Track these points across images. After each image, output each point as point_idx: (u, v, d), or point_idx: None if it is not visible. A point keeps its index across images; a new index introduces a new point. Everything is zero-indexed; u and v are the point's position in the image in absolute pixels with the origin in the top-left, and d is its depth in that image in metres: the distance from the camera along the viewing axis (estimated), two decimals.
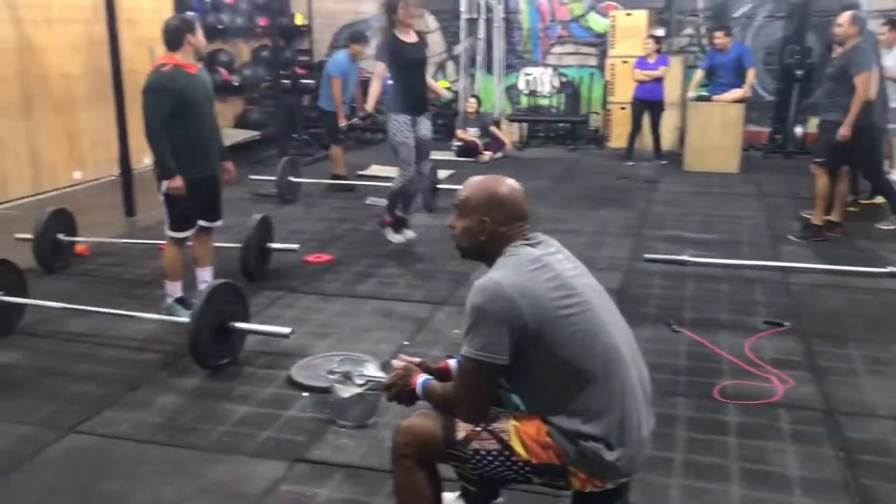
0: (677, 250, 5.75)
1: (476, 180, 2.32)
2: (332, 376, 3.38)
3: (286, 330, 3.95)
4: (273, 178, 7.64)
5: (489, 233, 2.22)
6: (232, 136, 10.50)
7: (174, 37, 4.36)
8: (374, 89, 5.75)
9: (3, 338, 4.30)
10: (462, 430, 2.16)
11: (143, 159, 9.40)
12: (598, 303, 2.18)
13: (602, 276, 5.35)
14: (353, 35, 8.46)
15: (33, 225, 5.46)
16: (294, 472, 3.04)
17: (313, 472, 3.04)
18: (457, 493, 2.67)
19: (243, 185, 8.21)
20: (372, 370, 3.43)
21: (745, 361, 4.00)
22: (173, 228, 4.53)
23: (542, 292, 2.08)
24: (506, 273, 2.12)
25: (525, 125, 11.37)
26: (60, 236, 5.58)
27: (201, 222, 4.64)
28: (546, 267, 2.14)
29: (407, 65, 5.64)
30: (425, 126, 5.85)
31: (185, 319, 3.99)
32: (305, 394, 3.67)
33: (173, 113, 4.27)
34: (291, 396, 3.65)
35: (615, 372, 2.10)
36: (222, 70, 10.22)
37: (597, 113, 11.11)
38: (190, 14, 4.97)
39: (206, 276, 4.73)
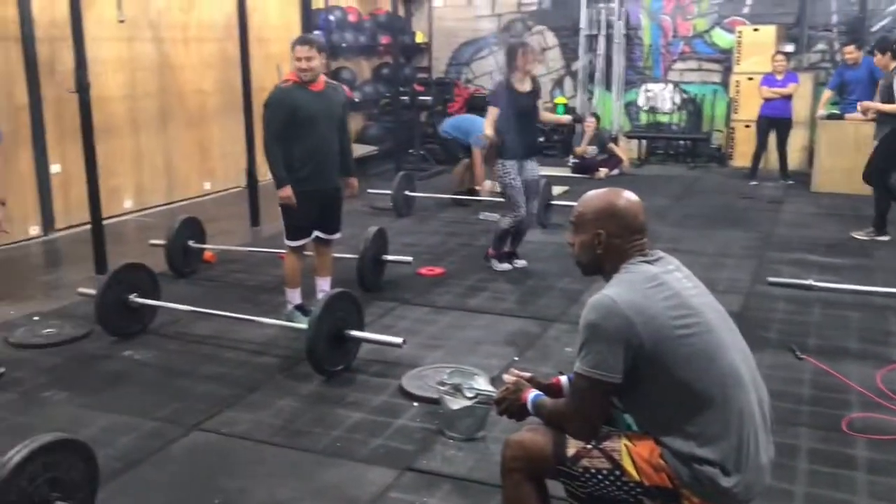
0: (802, 274, 5.49)
1: (591, 194, 2.30)
2: (442, 388, 3.41)
3: (399, 340, 4.02)
4: (389, 192, 7.81)
5: (605, 246, 2.19)
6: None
7: None
8: (488, 131, 5.78)
9: (138, 337, 4.56)
10: (572, 447, 2.13)
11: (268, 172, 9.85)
12: (718, 324, 2.11)
13: (722, 298, 5.16)
14: None
15: (166, 232, 5.78)
16: (403, 481, 3.08)
17: (422, 482, 3.07)
18: None
19: (361, 199, 8.41)
20: (482, 383, 3.43)
21: (876, 394, 3.77)
22: (289, 238, 4.73)
23: (658, 311, 2.03)
24: (621, 290, 2.08)
25: (644, 142, 11.18)
26: (190, 243, 5.89)
27: (318, 234, 4.79)
28: (664, 285, 2.09)
29: (519, 113, 5.67)
30: (531, 167, 5.87)
31: (303, 326, 4.12)
32: (416, 403, 3.71)
33: (288, 127, 4.48)
34: (402, 405, 3.71)
35: (734, 396, 2.03)
36: (344, 87, 10.52)
37: (720, 131, 10.80)
38: (316, 33, 5.14)
39: (324, 286, 4.88)
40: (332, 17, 10.16)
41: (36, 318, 4.86)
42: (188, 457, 3.29)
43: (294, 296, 4.80)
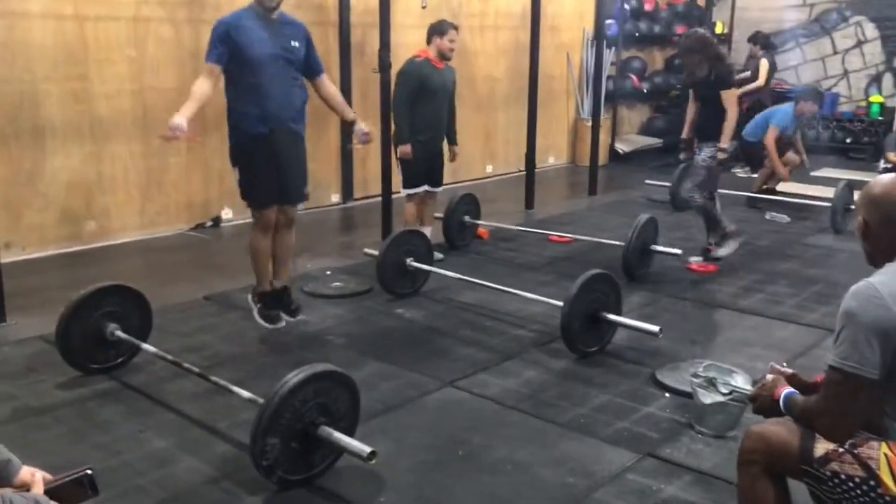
0: None
1: (876, 178, 2.09)
2: (695, 380, 3.29)
3: (656, 328, 3.93)
4: (668, 184, 7.59)
5: (869, 233, 2.02)
6: (634, 142, 10.67)
7: (427, 37, 5.53)
8: None
9: (410, 297, 4.92)
10: (822, 447, 1.96)
11: (548, 159, 10.04)
12: None
13: None
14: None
15: (445, 207, 6.14)
16: (642, 465, 3.02)
17: (662, 469, 2.99)
18: None
19: (638, 189, 8.31)
20: (740, 381, 3.26)
21: None
22: (407, 186, 5.61)
23: None
24: (886, 279, 1.88)
25: None
26: (466, 218, 6.21)
27: (427, 187, 5.67)
28: None
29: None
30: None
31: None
32: (667, 395, 3.61)
33: (417, 95, 5.37)
34: (652, 394, 3.63)
35: None
36: (633, 77, 10.40)
37: None
38: (445, 22, 5.57)
39: (427, 232, 5.43)
40: (627, 6, 10.07)
41: (328, 272, 5.43)
42: (440, 409, 3.50)
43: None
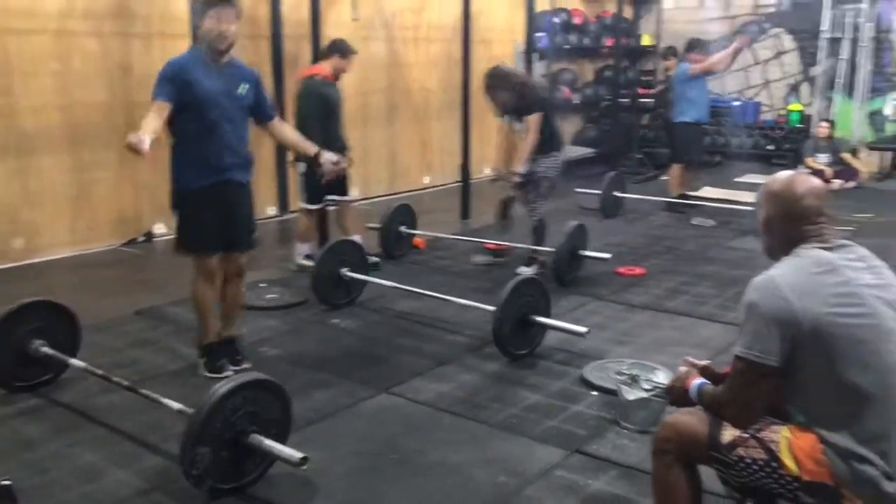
0: None
1: (771, 177, 2.23)
2: (619, 377, 3.40)
3: (583, 329, 4.05)
4: (598, 192, 7.78)
5: (770, 228, 2.15)
6: (566, 152, 10.86)
7: (327, 51, 5.71)
8: None
9: (346, 308, 4.95)
10: (728, 434, 2.07)
11: (484, 169, 10.16)
12: (891, 320, 1.97)
13: None
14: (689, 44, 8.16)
15: (381, 217, 6.19)
16: (570, 461, 3.12)
17: (589, 465, 3.09)
18: None
19: (570, 198, 8.48)
20: (662, 378, 3.39)
21: None
22: (310, 202, 5.75)
23: (822, 296, 1.94)
24: (785, 272, 2.01)
25: (889, 154, 10.21)
26: (402, 228, 6.27)
27: (335, 197, 5.80)
28: (835, 272, 1.98)
29: None
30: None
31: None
32: (595, 393, 3.72)
33: (325, 113, 5.49)
34: (580, 393, 3.74)
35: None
36: (564, 88, 10.62)
37: None
38: (350, 46, 5.76)
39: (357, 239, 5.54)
40: (556, 20, 10.29)
41: (262, 284, 5.42)
42: (375, 415, 3.54)
43: (304, 249, 5.85)
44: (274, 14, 7.33)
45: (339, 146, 5.72)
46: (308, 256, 5.76)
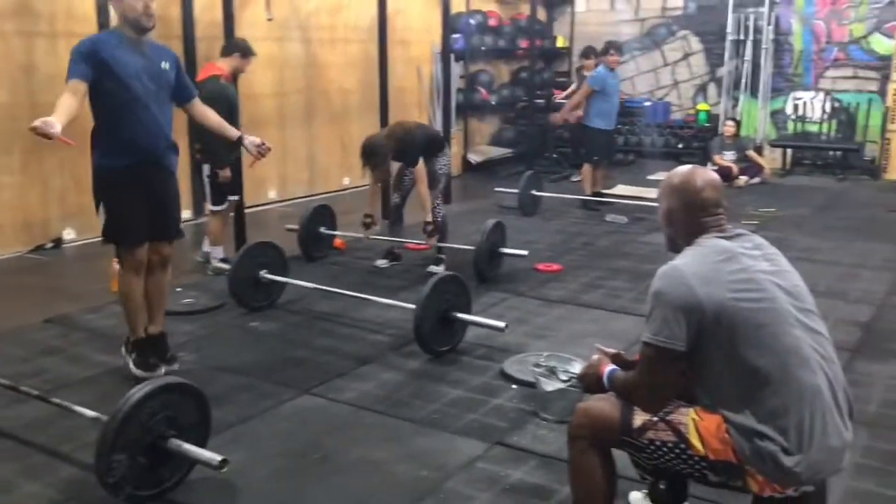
0: None
1: (675, 169, 2.34)
2: (537, 370, 3.49)
3: (502, 324, 4.12)
4: (516, 191, 7.91)
5: (672, 222, 2.26)
6: (485, 152, 11.02)
7: (227, 50, 5.70)
8: None
9: (265, 310, 4.90)
10: (639, 418, 2.16)
11: None
12: (787, 303, 2.08)
13: (851, 308, 5.01)
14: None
15: (300, 218, 6.15)
16: (491, 453, 3.18)
17: (510, 456, 3.15)
18: (643, 492, 2.66)
19: (488, 198, 8.60)
20: (578, 368, 3.48)
21: None
22: (216, 203, 5.78)
23: (723, 283, 2.04)
24: (688, 261, 2.12)
25: (790, 151, 10.71)
26: (322, 229, 6.24)
27: (232, 198, 5.90)
28: (734, 259, 2.09)
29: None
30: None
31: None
32: (515, 386, 3.80)
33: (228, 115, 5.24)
34: (501, 387, 3.81)
35: (795, 374, 2.01)
36: (481, 89, 10.74)
37: (873, 142, 10.19)
38: (250, 46, 5.82)
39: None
40: (472, 21, 10.40)
41: (178, 289, 5.31)
42: (296, 416, 3.53)
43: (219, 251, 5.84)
44: (185, 15, 7.19)
45: (238, 148, 5.77)
46: (224, 259, 5.69)
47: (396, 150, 5.69)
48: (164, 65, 3.76)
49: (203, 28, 7.28)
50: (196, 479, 2.89)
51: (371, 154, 5.59)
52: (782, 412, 1.99)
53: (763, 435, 1.99)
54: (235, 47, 5.70)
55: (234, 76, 5.72)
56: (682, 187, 2.25)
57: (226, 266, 5.45)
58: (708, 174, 2.29)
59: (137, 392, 2.69)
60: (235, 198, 5.96)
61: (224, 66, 5.62)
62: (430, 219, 5.79)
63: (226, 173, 5.62)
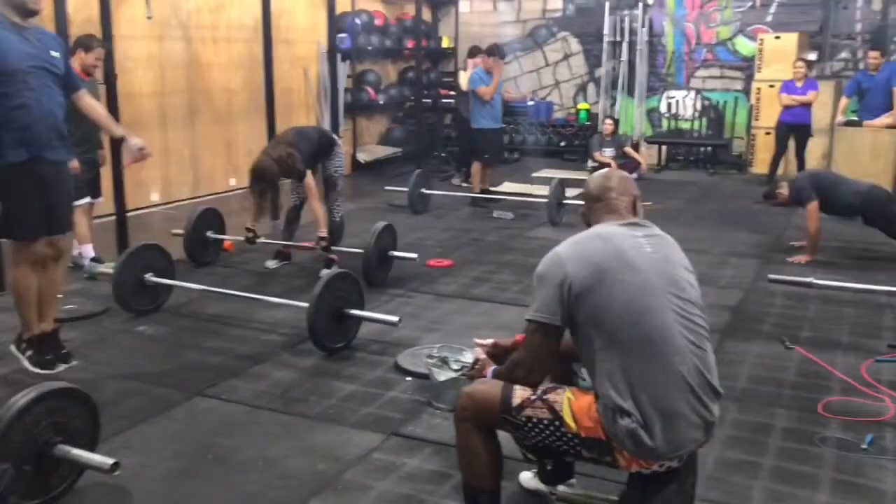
0: (807, 273, 5.55)
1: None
2: (430, 360, 3.58)
3: (395, 319, 4.20)
4: (406, 189, 8.01)
5: (586, 219, 2.51)
6: (374, 151, 11.06)
7: (72, 49, 5.40)
8: None
9: (152, 314, 4.80)
10: (518, 396, 2.28)
11: None
12: (659, 287, 2.22)
13: (721, 293, 5.33)
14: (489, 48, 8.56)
15: (185, 223, 6.02)
16: (388, 444, 3.25)
17: (405, 445, 3.24)
18: (532, 472, 2.80)
19: (379, 197, 8.66)
20: (468, 357, 3.59)
21: (858, 381, 3.85)
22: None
23: (594, 261, 2.21)
24: (566, 245, 2.29)
25: (664, 148, 11.26)
26: (209, 233, 6.12)
27: (89, 199, 5.74)
28: (610, 241, 2.26)
29: None
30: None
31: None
32: (409, 378, 3.88)
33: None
34: (395, 380, 3.88)
35: (657, 353, 2.15)
36: (369, 89, 10.78)
37: (740, 138, 10.85)
38: (94, 38, 5.72)
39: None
40: (358, 21, 10.42)
41: (59, 295, 5.11)
42: (188, 418, 3.49)
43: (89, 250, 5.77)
44: (58, 13, 6.89)
45: (95, 143, 5.73)
46: (96, 259, 5.55)
47: (281, 173, 5.67)
48: (53, 53, 3.65)
49: (78, 27, 6.97)
50: (88, 484, 2.83)
51: (260, 179, 5.57)
52: (642, 389, 2.14)
53: (625, 412, 2.13)
54: (77, 44, 5.52)
55: (88, 72, 5.51)
56: (587, 184, 2.52)
57: (99, 266, 5.35)
58: (612, 172, 2.55)
59: (20, 399, 2.62)
60: (98, 200, 5.90)
61: (74, 65, 5.37)
62: (324, 234, 5.74)
63: (74, 164, 5.34)
